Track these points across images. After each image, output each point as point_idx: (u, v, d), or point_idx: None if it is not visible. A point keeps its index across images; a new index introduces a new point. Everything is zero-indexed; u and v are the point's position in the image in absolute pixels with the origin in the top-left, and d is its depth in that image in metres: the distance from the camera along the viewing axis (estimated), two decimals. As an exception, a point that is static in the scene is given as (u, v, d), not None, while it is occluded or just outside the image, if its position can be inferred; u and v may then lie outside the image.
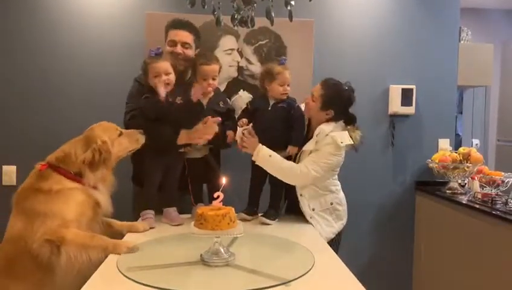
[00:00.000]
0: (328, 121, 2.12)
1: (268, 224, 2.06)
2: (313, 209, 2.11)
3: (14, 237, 1.61)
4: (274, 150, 2.05)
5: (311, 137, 2.11)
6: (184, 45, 2.26)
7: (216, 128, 2.02)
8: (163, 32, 2.35)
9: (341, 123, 2.14)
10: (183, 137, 2.02)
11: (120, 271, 1.38)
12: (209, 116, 2.02)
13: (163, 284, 1.26)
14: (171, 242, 1.78)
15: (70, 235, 1.56)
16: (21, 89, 2.75)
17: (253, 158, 2.05)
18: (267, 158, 2.02)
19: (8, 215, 1.70)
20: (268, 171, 2.08)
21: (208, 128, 2.00)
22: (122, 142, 1.83)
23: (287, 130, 2.11)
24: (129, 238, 1.76)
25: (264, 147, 2.04)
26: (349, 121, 2.16)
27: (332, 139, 2.04)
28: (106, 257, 1.54)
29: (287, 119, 2.12)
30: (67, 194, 1.64)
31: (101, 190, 1.77)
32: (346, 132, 2.10)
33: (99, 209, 1.76)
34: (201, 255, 1.47)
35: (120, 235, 1.84)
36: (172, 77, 2.03)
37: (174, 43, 2.25)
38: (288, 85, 2.13)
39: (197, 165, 2.17)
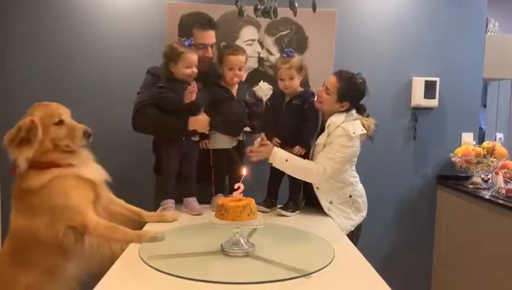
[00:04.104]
0: (340, 112, 2.10)
1: (286, 216, 2.07)
2: (331, 202, 2.10)
3: (19, 231, 1.62)
4: (287, 148, 2.06)
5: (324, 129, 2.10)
6: (212, 46, 2.26)
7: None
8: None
9: (353, 112, 2.11)
10: (192, 123, 2.03)
11: (142, 259, 1.40)
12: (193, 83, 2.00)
13: (184, 273, 1.27)
14: (191, 232, 1.79)
15: (92, 224, 1.57)
16: (42, 79, 2.78)
17: (269, 160, 2.05)
18: (284, 162, 2.03)
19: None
20: (286, 173, 2.10)
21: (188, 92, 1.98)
22: (57, 132, 1.65)
23: (300, 128, 2.09)
24: (149, 228, 1.78)
25: (280, 150, 2.04)
26: (359, 111, 2.14)
27: (343, 130, 2.02)
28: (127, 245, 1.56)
29: (301, 115, 2.10)
30: (57, 185, 1.58)
31: (78, 165, 1.66)
32: (358, 120, 2.08)
33: (96, 186, 1.69)
34: (221, 245, 1.48)
35: (142, 224, 1.85)
36: (196, 72, 2.04)
37: (204, 46, 2.21)
38: (291, 78, 2.08)
39: (222, 157, 2.18)
